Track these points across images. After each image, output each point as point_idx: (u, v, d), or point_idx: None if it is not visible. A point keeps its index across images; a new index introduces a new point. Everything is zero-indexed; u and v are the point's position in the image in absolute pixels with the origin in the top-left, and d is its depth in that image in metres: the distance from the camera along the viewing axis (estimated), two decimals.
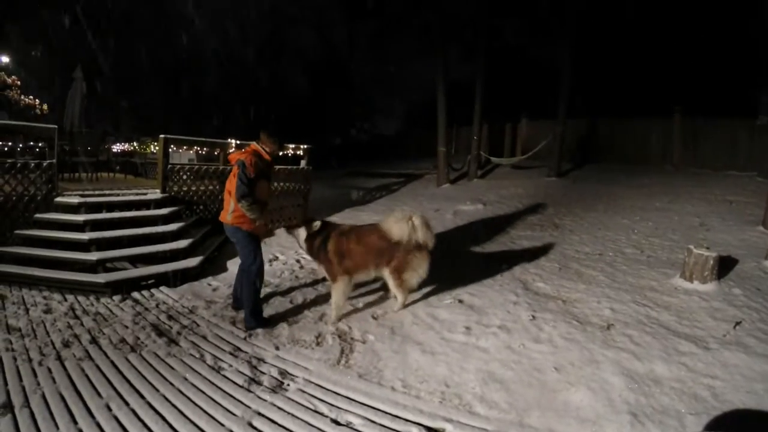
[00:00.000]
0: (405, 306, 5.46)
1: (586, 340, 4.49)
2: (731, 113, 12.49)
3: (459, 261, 7.20)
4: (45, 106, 18.73)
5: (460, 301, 5.58)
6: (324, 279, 6.26)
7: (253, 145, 5.35)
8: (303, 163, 10.80)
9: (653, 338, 4.47)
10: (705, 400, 3.52)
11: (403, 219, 5.21)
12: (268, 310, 5.55)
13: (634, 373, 3.90)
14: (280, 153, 6.02)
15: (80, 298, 5.98)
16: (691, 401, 3.52)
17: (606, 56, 16.28)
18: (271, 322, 5.25)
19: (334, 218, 10.13)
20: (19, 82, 18.18)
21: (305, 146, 10.72)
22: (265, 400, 3.73)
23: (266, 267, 6.13)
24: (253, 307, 5.19)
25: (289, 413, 3.57)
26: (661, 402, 3.53)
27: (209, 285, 6.64)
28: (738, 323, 4.73)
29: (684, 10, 13.11)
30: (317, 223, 5.55)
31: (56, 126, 7.63)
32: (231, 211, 5.13)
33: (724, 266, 6.08)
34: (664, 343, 4.37)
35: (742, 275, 6.04)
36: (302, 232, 5.52)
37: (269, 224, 6.02)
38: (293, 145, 10.56)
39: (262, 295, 5.55)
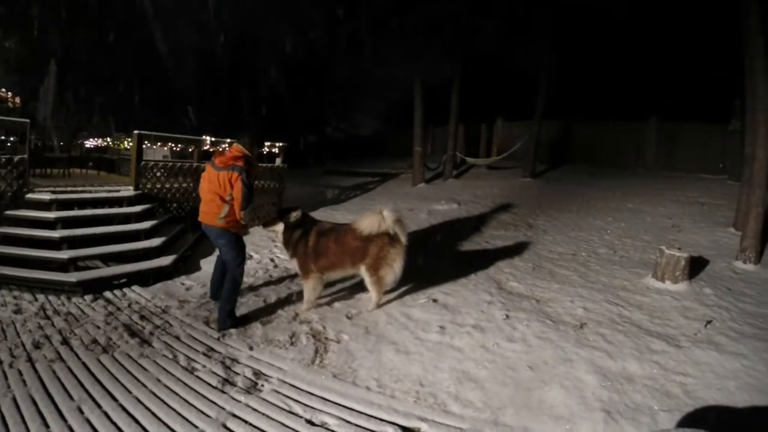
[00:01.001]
0: (379, 306, 5.47)
1: (560, 338, 4.54)
2: (704, 118, 12.75)
3: (433, 260, 7.23)
4: (17, 99, 18.32)
5: (435, 301, 5.60)
6: (297, 276, 6.19)
7: (237, 147, 5.32)
8: (278, 161, 10.74)
9: (626, 337, 4.54)
10: (677, 397, 3.59)
11: (373, 213, 5.29)
12: (241, 310, 5.49)
13: (607, 371, 3.95)
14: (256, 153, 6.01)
15: (51, 297, 5.83)
16: (664, 398, 3.59)
17: (583, 60, 16.44)
18: (245, 321, 5.25)
19: None
20: None
21: (281, 144, 10.65)
22: (239, 401, 3.68)
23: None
24: (231, 308, 5.18)
25: (263, 414, 3.54)
26: (633, 399, 3.59)
27: (182, 284, 6.55)
28: (709, 322, 4.83)
29: (661, 16, 13.29)
30: (296, 214, 5.57)
31: (28, 120, 7.46)
32: (223, 215, 5.09)
33: (696, 266, 6.21)
34: (636, 341, 4.45)
35: (713, 275, 6.18)
36: (280, 226, 5.58)
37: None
38: (269, 143, 10.48)
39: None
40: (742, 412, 3.44)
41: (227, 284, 5.22)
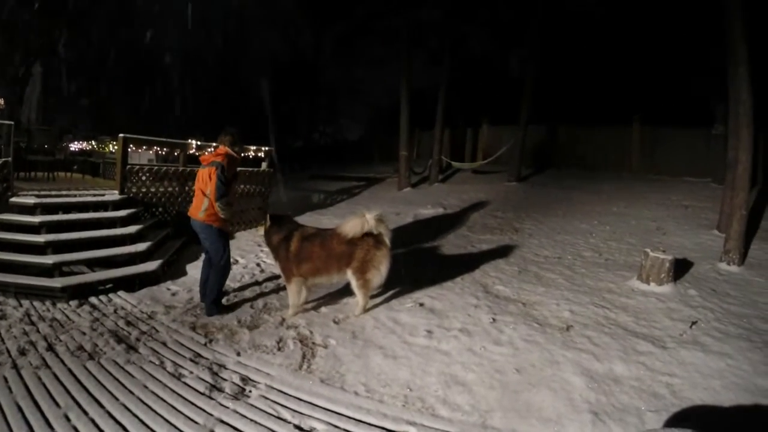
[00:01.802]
0: (366, 310, 5.47)
1: (546, 341, 4.57)
2: (688, 122, 12.89)
3: (419, 265, 7.24)
4: (1, 101, 18.10)
5: (421, 305, 5.61)
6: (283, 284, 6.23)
7: (224, 147, 5.65)
8: (264, 165, 10.69)
9: (612, 339, 4.58)
10: (664, 398, 3.63)
11: (356, 216, 5.35)
12: (227, 317, 5.49)
13: (594, 373, 3.99)
14: (242, 155, 6.40)
15: (36, 303, 5.76)
16: (651, 399, 3.63)
17: (568, 64, 16.60)
18: (230, 309, 5.70)
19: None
20: None
21: (266, 148, 10.61)
22: (227, 407, 3.66)
23: None
24: (216, 297, 5.60)
25: (251, 420, 3.52)
26: (621, 400, 3.62)
27: (168, 289, 6.50)
28: (694, 323, 4.89)
29: (644, 21, 13.44)
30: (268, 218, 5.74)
31: (12, 122, 7.38)
32: (204, 209, 5.45)
33: (680, 268, 6.29)
34: (622, 343, 4.49)
35: (698, 277, 6.26)
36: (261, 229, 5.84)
37: (233, 225, 6.06)
38: (254, 147, 10.44)
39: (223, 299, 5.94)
40: (728, 411, 3.48)
41: (212, 275, 5.60)
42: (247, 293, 6.36)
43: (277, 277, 6.66)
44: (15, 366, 4.19)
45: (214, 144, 7.36)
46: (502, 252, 7.80)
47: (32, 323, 5.19)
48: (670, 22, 12.66)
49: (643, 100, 14.66)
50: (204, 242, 5.70)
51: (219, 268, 5.61)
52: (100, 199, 7.70)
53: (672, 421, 3.33)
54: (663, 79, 14.50)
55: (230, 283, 6.54)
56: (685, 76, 13.05)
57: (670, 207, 9.98)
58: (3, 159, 7.04)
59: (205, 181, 5.43)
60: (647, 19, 13.38)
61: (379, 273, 5.36)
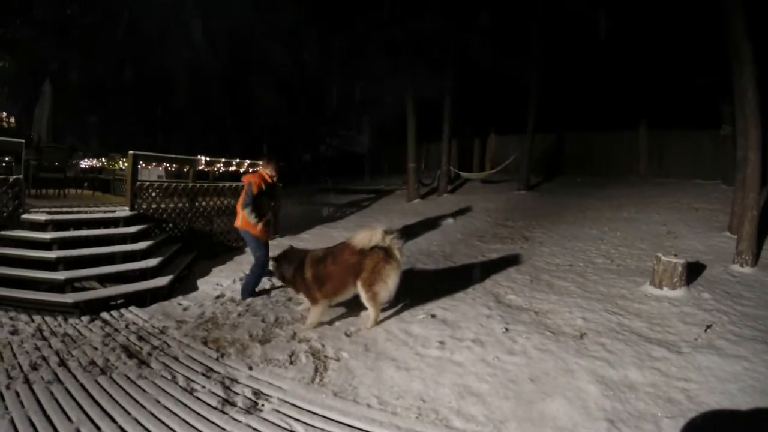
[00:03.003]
0: (378, 322, 5.47)
1: (560, 350, 4.54)
2: (696, 124, 12.85)
3: (430, 276, 7.24)
4: (12, 120, 18.28)
5: (433, 316, 5.59)
6: (295, 295, 6.35)
7: (261, 170, 7.08)
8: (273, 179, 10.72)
9: (626, 345, 4.54)
10: (680, 403, 3.59)
11: (367, 228, 5.49)
12: (239, 331, 5.49)
13: (609, 381, 3.95)
14: (271, 173, 7.15)
15: (48, 318, 5.78)
16: (667, 405, 3.58)
17: (573, 71, 16.56)
18: (260, 294, 6.88)
19: (305, 235, 10.18)
20: None
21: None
22: (239, 422, 3.65)
23: (236, 286, 7.15)
24: (252, 287, 6.83)
25: None
26: (636, 407, 3.58)
27: (179, 304, 6.52)
28: (709, 326, 4.84)
29: (648, 23, 13.41)
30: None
31: (23, 140, 7.44)
32: (240, 218, 6.80)
33: (693, 272, 6.23)
34: (636, 349, 4.45)
35: (711, 280, 6.21)
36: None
37: (268, 232, 7.10)
38: (262, 161, 10.46)
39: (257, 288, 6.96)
40: (745, 415, 3.44)
41: (251, 270, 6.90)
42: (258, 306, 6.35)
43: (288, 292, 6.69)
44: (27, 380, 4.20)
45: (236, 160, 9.05)
46: (513, 261, 7.78)
47: (44, 338, 5.20)
48: (673, 24, 12.63)
49: (649, 103, 14.61)
50: (248, 245, 7.15)
51: (255, 266, 6.83)
52: (110, 215, 7.74)
53: (689, 427, 3.30)
54: (668, 82, 14.44)
55: (238, 297, 6.71)
56: (690, 78, 13.01)
57: (680, 210, 9.93)
58: (15, 176, 7.08)
59: (241, 196, 6.81)
60: (649, 22, 13.36)
61: (387, 286, 5.35)
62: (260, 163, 10.21)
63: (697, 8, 10.66)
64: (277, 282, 7.30)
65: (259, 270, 6.82)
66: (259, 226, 6.75)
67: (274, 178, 7.16)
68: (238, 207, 6.85)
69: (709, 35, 9.68)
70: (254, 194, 6.66)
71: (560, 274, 6.99)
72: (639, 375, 4.02)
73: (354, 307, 5.95)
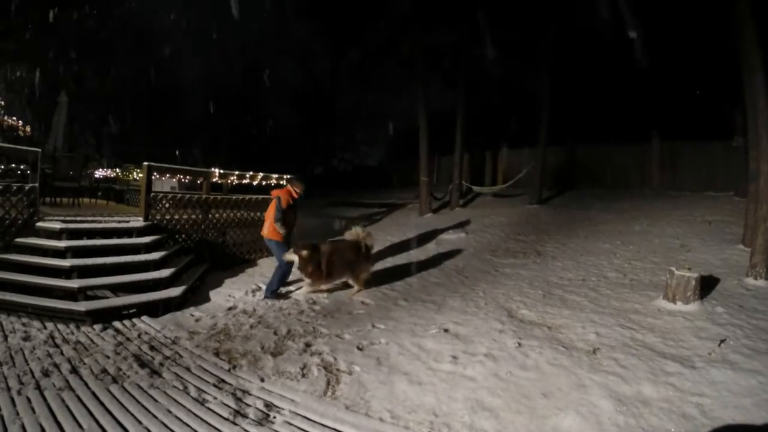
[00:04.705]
0: (360, 291, 7.40)
1: (573, 365, 4.50)
2: (707, 136, 12.78)
3: (442, 290, 7.22)
4: (28, 128, 18.52)
5: (446, 331, 5.57)
6: (306, 310, 6.62)
7: (288, 187, 7.97)
8: None
9: (639, 360, 4.49)
10: (694, 418, 3.55)
11: (353, 230, 7.87)
12: (251, 343, 5.51)
13: (622, 396, 3.91)
14: (299, 190, 7.98)
15: (60, 326, 5.83)
16: (681, 420, 3.54)
17: (584, 84, 16.58)
18: (282, 296, 7.43)
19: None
20: (2, 102, 17.94)
21: (288, 176, 10.73)
22: None
23: (248, 298, 7.46)
24: (275, 287, 7.49)
25: None
26: (650, 423, 3.54)
27: (192, 315, 6.55)
28: (723, 341, 4.78)
29: (659, 35, 13.41)
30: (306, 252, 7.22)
31: (39, 150, 7.53)
32: (267, 228, 7.70)
33: (707, 286, 6.17)
34: (650, 364, 4.40)
35: (725, 293, 6.14)
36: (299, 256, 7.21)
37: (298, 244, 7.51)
38: (276, 176, 10.61)
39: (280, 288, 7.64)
40: (760, 429, 3.40)
41: (275, 273, 7.59)
42: (270, 319, 6.37)
43: (301, 304, 6.80)
44: (38, 387, 4.22)
45: (249, 173, 10.02)
46: (526, 276, 7.75)
47: (56, 345, 5.23)
48: (685, 35, 12.63)
49: (661, 116, 14.59)
50: (272, 252, 7.95)
51: (279, 269, 7.53)
52: (124, 225, 7.81)
53: None
54: (680, 94, 14.43)
55: (249, 308, 6.77)
56: (701, 89, 12.98)
57: (693, 223, 9.85)
58: (30, 185, 7.17)
59: (270, 209, 7.72)
60: (661, 34, 13.36)
61: (366, 272, 7.67)
62: (274, 176, 10.51)
63: (708, 19, 10.67)
64: (288, 291, 7.39)
65: (283, 272, 7.53)
66: (284, 234, 7.68)
67: (300, 195, 7.94)
68: (266, 219, 7.83)
69: (720, 46, 9.68)
70: (284, 209, 7.56)
71: (573, 289, 6.94)
72: (653, 390, 3.97)
73: (366, 321, 5.96)
